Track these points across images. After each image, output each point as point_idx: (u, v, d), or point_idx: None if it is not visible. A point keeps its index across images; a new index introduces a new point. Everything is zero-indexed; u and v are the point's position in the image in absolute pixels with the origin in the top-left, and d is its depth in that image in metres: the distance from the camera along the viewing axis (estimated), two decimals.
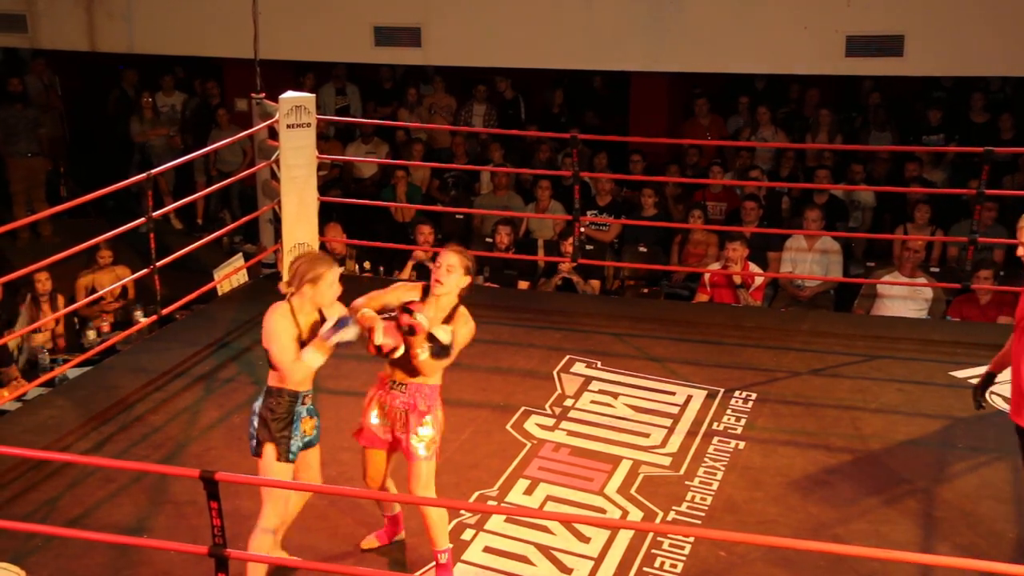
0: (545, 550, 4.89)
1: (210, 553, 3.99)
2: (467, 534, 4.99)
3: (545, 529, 5.02)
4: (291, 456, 4.40)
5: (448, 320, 4.48)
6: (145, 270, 6.94)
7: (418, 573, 4.71)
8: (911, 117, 10.75)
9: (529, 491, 5.37)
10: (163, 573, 4.67)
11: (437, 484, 4.88)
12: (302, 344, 4.34)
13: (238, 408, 6.18)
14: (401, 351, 4.40)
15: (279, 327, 4.33)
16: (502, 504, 5.26)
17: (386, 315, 4.46)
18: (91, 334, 8.15)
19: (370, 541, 4.90)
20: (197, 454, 5.66)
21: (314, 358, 4.32)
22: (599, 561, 4.82)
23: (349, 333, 4.30)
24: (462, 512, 5.12)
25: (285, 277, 4.49)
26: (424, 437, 4.51)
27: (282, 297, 4.43)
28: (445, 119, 11.45)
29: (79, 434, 5.83)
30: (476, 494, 5.30)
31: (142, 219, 6.76)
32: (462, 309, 4.53)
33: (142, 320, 7.72)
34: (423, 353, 4.38)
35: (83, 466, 5.34)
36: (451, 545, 4.65)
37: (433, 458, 4.56)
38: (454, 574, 4.66)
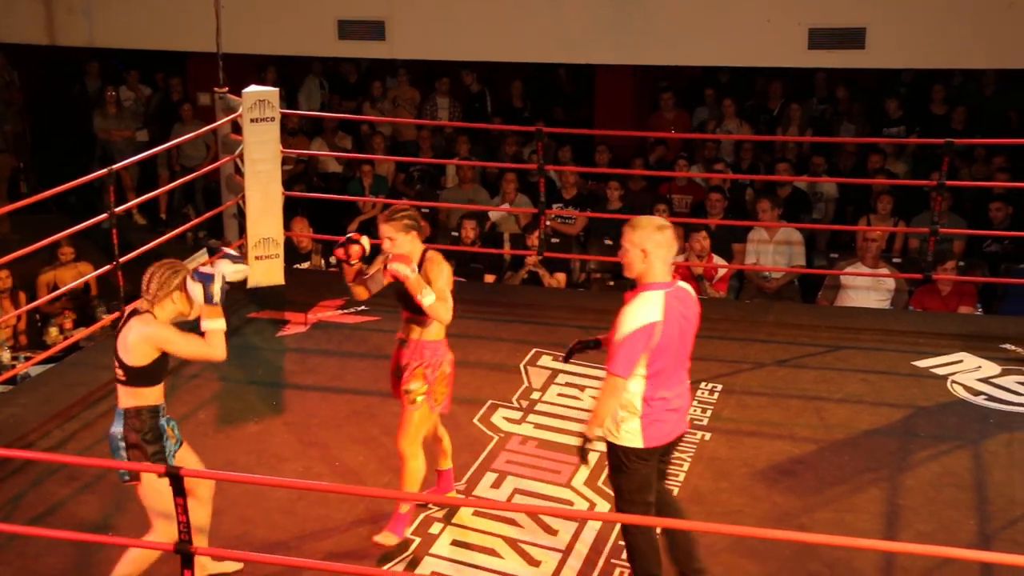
0: (513, 543, 4.90)
1: (176, 550, 3.97)
2: (435, 528, 4.99)
3: (513, 522, 5.04)
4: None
5: (422, 265, 4.74)
6: (108, 266, 6.88)
7: (388, 566, 4.71)
8: (873, 110, 10.84)
9: (497, 484, 5.38)
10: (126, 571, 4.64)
11: None
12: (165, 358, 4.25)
13: (203, 404, 6.15)
14: (411, 275, 4.61)
15: (164, 330, 4.20)
16: (470, 497, 5.27)
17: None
18: (53, 331, 8.07)
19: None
20: None
21: (219, 323, 4.24)
22: (567, 553, 4.84)
23: (216, 282, 4.21)
24: (429, 505, 5.13)
25: (144, 295, 4.27)
26: (412, 389, 4.79)
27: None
28: (409, 112, 11.43)
29: (42, 432, 5.77)
30: None
31: (104, 215, 6.70)
32: (430, 253, 4.80)
33: (105, 317, 7.65)
34: (425, 297, 4.62)
35: (46, 464, 5.29)
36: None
37: (422, 407, 4.80)
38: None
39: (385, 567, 4.69)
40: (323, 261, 8.84)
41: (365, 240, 4.86)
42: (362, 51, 10.89)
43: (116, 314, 6.98)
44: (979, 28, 9.12)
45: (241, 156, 7.54)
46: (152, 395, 4.26)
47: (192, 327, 4.30)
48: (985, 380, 6.38)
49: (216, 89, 7.86)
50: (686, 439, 5.74)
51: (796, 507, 5.17)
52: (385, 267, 4.71)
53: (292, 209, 8.33)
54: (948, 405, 6.13)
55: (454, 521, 5.04)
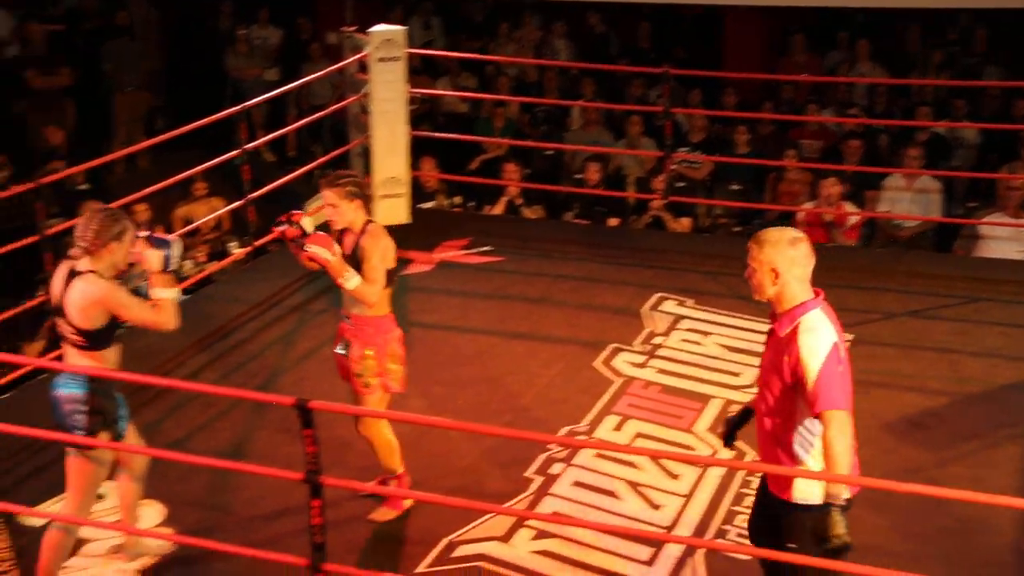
0: (634, 486, 4.90)
1: (305, 479, 4.06)
2: (556, 468, 5.02)
3: (634, 465, 5.03)
4: (123, 434, 4.23)
5: (361, 237, 4.48)
6: (239, 202, 7.04)
7: (509, 504, 4.75)
8: (1022, 52, 10.33)
9: (618, 427, 5.38)
10: (258, 498, 4.80)
11: (528, 418, 4.90)
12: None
13: (331, 339, 6.20)
14: (331, 257, 4.42)
15: (117, 294, 4.02)
16: (591, 439, 5.27)
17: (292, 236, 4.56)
18: (188, 264, 8.31)
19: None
20: (291, 383, 5.76)
21: (171, 292, 4.12)
22: (688, 498, 4.81)
23: (175, 249, 4.14)
24: (551, 446, 5.15)
25: (80, 242, 4.04)
26: (364, 370, 4.53)
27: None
28: (532, 55, 11.34)
29: (178, 361, 5.97)
30: (565, 429, 5.32)
31: (236, 151, 6.84)
32: (371, 226, 4.53)
33: (237, 251, 7.85)
34: (347, 281, 4.42)
35: (184, 391, 5.47)
36: (401, 470, 4.70)
37: (377, 390, 4.58)
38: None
39: (506, 505, 4.74)
40: (447, 202, 8.89)
41: (306, 221, 4.56)
42: None
43: (248, 248, 7.17)
44: None
45: (368, 95, 7.60)
46: (110, 356, 4.15)
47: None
48: None
49: (344, 28, 7.92)
50: None
51: (927, 461, 5.03)
52: (303, 249, 4.45)
53: (419, 149, 8.38)
54: None
55: (575, 462, 5.05)
